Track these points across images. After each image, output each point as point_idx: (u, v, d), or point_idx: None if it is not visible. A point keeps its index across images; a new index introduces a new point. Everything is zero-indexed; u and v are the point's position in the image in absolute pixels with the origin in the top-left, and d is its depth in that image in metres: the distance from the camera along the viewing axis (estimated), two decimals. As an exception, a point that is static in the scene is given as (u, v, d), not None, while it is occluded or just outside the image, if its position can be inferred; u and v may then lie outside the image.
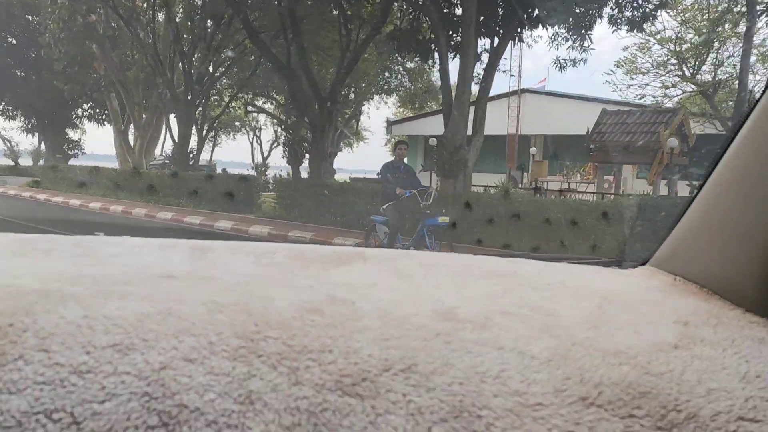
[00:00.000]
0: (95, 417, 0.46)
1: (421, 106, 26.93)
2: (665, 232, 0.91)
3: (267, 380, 0.51)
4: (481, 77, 13.13)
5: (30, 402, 0.46)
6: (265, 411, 0.48)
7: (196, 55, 17.60)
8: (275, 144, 30.57)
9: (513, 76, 20.52)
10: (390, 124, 25.25)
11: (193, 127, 18.06)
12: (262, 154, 31.30)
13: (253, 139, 31.71)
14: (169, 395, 0.48)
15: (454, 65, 12.53)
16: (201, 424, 0.47)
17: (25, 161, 27.04)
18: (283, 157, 16.51)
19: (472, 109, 12.32)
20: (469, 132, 12.19)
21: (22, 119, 23.14)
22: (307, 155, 15.47)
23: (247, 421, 0.48)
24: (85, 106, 23.19)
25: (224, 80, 20.83)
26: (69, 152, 22.83)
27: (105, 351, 0.51)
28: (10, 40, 21.80)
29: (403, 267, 0.86)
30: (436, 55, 13.10)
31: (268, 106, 25.32)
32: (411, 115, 26.42)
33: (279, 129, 27.55)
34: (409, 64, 22.51)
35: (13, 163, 27.97)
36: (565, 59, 14.20)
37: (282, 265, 0.84)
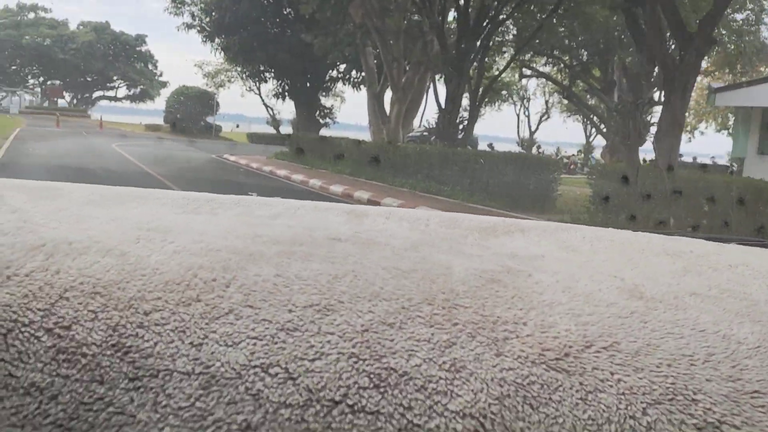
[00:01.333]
0: (309, 374, 0.47)
1: (743, 71, 19.93)
2: None
3: (468, 349, 0.50)
4: None
5: (247, 355, 0.47)
6: (471, 380, 0.47)
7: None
8: (545, 117, 26.11)
9: None
10: (713, 91, 18.77)
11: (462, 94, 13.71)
12: (530, 128, 26.81)
13: (520, 110, 27.32)
14: (377, 357, 0.48)
15: None
16: (411, 388, 0.47)
17: (286, 129, 25.70)
18: (608, 130, 11.29)
19: None
20: None
21: (275, 82, 20.89)
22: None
23: (455, 389, 0.47)
24: (341, 69, 20.27)
25: (500, 36, 16.17)
26: (320, 120, 19.96)
27: (306, 310, 0.52)
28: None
29: (566, 239, 0.84)
30: None
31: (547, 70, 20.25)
32: (725, 82, 19.57)
33: (552, 99, 22.63)
34: (738, 15, 16.04)
35: (274, 132, 27.04)
36: None
37: (439, 233, 0.82)
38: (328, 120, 20.65)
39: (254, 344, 0.48)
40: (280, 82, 20.07)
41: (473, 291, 0.58)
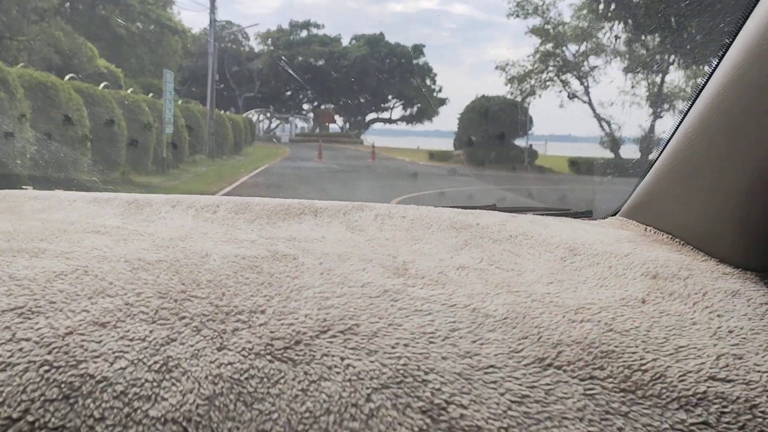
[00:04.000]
0: None
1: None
2: (637, 180, 0.88)
3: (188, 345, 0.47)
4: None
5: None
6: (183, 379, 0.44)
7: None
8: None
9: None
10: None
11: None
12: None
13: None
14: (74, 364, 0.44)
15: None
16: (108, 396, 0.43)
17: (630, 151, 16.43)
18: None
19: None
20: None
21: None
22: None
23: (161, 391, 0.43)
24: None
25: None
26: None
27: (4, 315, 0.48)
28: None
29: (357, 219, 0.83)
30: None
31: None
32: None
33: None
34: None
35: (611, 155, 17.70)
36: None
37: (225, 220, 0.80)
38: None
39: None
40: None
41: (219, 280, 0.55)
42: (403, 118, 36.25)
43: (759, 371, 0.49)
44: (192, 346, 0.46)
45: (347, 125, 37.02)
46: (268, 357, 0.46)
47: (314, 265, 0.61)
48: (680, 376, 0.48)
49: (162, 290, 0.52)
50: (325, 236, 0.74)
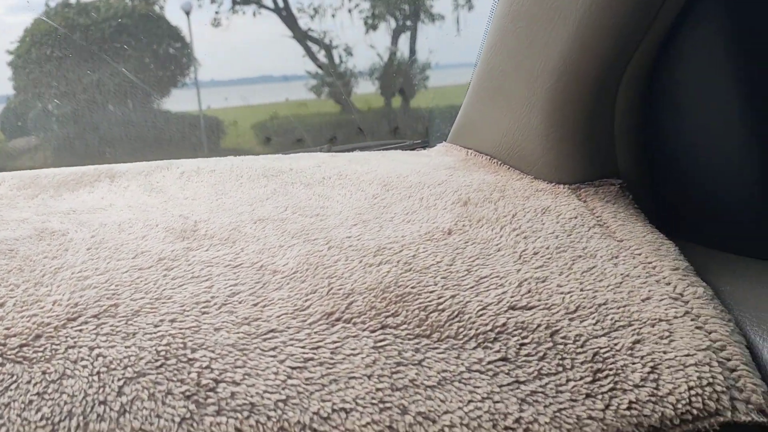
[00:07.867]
0: None
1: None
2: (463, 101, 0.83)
3: None
4: None
5: None
6: None
7: None
8: None
9: None
10: None
11: None
12: None
13: None
14: None
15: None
16: None
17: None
18: None
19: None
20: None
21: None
22: None
23: None
24: None
25: None
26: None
27: None
28: None
29: (159, 180, 0.74)
30: None
31: None
32: None
33: None
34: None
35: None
36: None
37: (2, 199, 0.69)
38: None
39: None
40: None
41: None
42: None
43: (561, 293, 0.46)
44: None
45: None
46: None
47: (84, 239, 0.54)
48: (479, 311, 0.45)
49: None
50: (113, 203, 0.65)
